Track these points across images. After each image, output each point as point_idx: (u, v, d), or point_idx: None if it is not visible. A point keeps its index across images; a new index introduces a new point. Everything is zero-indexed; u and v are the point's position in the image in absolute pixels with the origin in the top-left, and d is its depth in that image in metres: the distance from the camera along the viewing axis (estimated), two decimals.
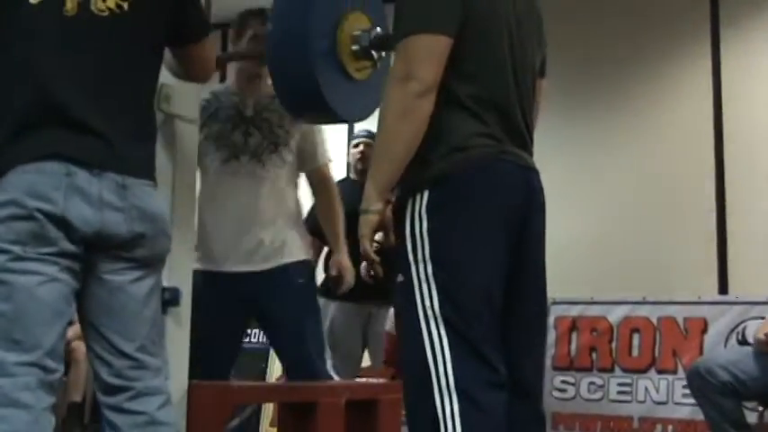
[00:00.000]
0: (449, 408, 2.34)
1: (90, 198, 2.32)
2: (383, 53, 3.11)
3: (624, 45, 6.83)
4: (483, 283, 2.43)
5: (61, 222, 2.28)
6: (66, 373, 6.67)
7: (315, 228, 5.03)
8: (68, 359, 6.78)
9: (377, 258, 2.46)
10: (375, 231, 2.45)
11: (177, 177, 2.99)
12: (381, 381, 3.91)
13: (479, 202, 2.44)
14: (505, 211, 2.47)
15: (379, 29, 3.09)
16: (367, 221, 2.44)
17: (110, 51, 2.46)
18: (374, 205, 2.44)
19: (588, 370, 6.08)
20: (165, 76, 2.98)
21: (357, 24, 3.06)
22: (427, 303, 2.40)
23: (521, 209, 2.50)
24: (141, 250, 2.44)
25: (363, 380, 4.03)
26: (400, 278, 2.47)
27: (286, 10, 3.02)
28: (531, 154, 2.60)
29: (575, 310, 6.17)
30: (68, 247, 2.31)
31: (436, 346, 2.38)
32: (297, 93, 3.04)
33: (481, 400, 2.36)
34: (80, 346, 6.90)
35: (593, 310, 6.17)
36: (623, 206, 6.71)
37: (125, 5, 2.47)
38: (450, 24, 2.43)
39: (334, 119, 3.20)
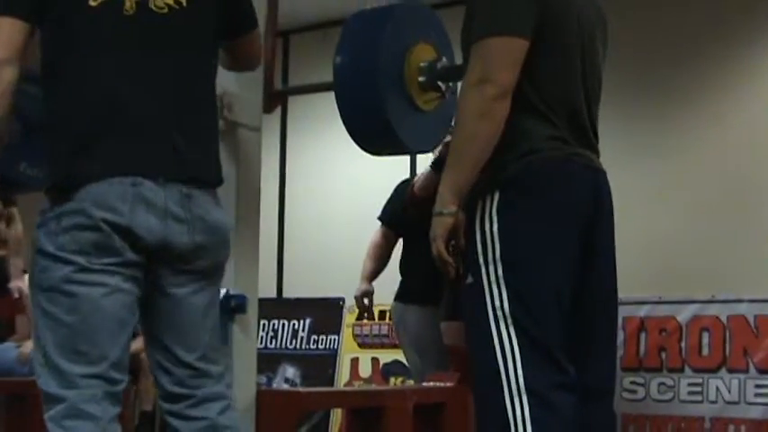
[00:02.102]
0: (519, 409, 2.33)
1: (155, 208, 2.31)
2: (450, 84, 3.13)
3: (697, 41, 6.74)
4: (553, 285, 2.41)
5: (126, 233, 2.28)
6: (137, 382, 6.74)
7: (393, 219, 5.01)
8: (138, 369, 6.85)
9: (451, 260, 2.43)
10: (449, 234, 2.43)
11: (241, 184, 3.02)
12: (449, 384, 3.89)
13: (550, 203, 2.44)
14: (575, 212, 2.46)
15: (445, 59, 3.11)
16: (441, 223, 2.42)
17: (171, 49, 2.43)
18: (448, 207, 2.41)
19: (658, 370, 6.00)
20: (228, 84, 3.00)
21: (424, 56, 3.09)
22: (497, 304, 2.39)
23: (589, 209, 2.49)
24: (202, 262, 2.42)
25: (431, 384, 4.02)
26: (469, 280, 2.45)
27: (354, 43, 3.05)
28: (598, 155, 2.59)
29: (642, 311, 6.08)
30: (132, 257, 2.30)
31: (506, 347, 2.37)
32: (366, 124, 3.07)
33: (552, 400, 2.34)
34: None
35: (662, 310, 6.08)
36: (690, 204, 6.63)
37: (183, 1, 2.44)
38: (527, 26, 2.42)
39: (403, 150, 3.23)
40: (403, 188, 5.12)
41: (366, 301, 5.01)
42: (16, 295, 4.88)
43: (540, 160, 2.44)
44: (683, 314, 6.00)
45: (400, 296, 4.94)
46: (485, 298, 2.40)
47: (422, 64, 3.07)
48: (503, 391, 2.35)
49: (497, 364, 2.36)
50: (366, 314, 5.33)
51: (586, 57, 2.55)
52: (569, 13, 2.51)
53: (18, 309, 6.21)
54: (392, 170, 6.82)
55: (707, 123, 6.67)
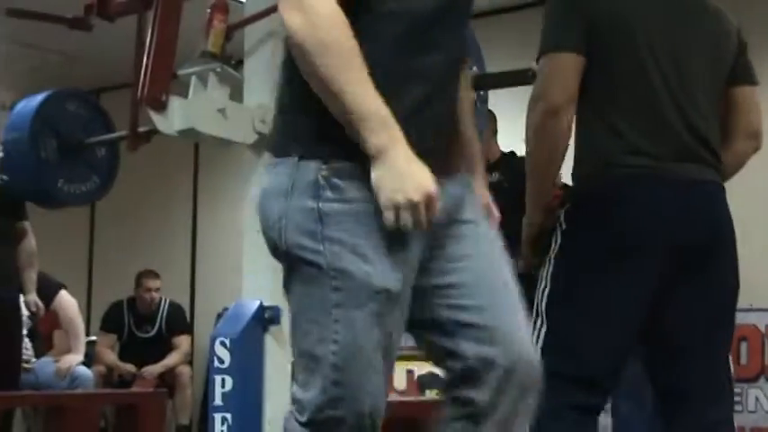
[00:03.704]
0: None
1: None
2: (480, 92, 3.13)
3: None
4: (598, 306, 2.42)
5: None
6: (172, 396, 6.77)
7: None
8: (174, 383, 6.88)
9: (536, 263, 2.54)
10: (532, 242, 2.54)
11: None
12: None
13: (616, 234, 2.42)
14: (650, 240, 2.42)
15: (475, 68, 3.11)
16: (524, 233, 2.56)
17: None
18: (529, 218, 2.54)
19: None
20: (261, 97, 3.01)
21: None
22: (539, 298, 2.46)
23: (675, 231, 2.42)
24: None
25: None
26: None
27: None
28: (707, 164, 2.51)
29: None
30: None
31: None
32: None
33: (562, 416, 2.38)
34: (184, 371, 7.01)
35: None
36: None
37: None
38: (574, 40, 2.43)
39: None
40: None
41: None
42: (33, 309, 4.89)
43: (607, 182, 2.44)
44: None
45: None
46: (534, 287, 2.47)
47: None
48: None
49: None
50: None
51: (665, 57, 2.47)
52: (627, 14, 2.47)
53: (55, 324, 6.26)
54: None
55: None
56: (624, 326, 2.42)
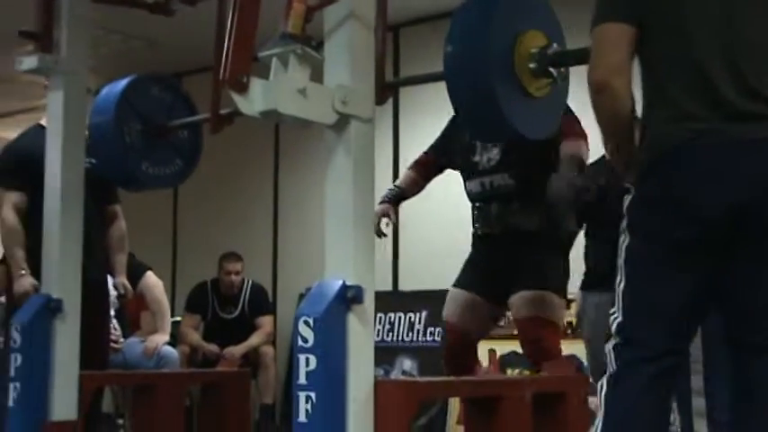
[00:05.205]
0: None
1: None
2: (562, 69, 3.10)
3: None
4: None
5: None
6: (256, 376, 6.85)
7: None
8: (257, 363, 6.96)
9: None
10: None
11: (356, 176, 3.04)
12: (569, 374, 3.86)
13: (652, 195, 2.51)
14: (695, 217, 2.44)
15: (556, 45, 3.08)
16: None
17: None
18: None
19: None
20: (341, 78, 3.03)
21: (534, 42, 3.06)
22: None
23: (729, 201, 2.41)
24: None
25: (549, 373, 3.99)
26: None
27: (463, 31, 3.05)
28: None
29: None
30: None
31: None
32: (478, 113, 3.07)
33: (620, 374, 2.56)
34: (268, 351, 7.09)
35: None
36: None
37: None
38: (620, 10, 2.54)
39: (515, 137, 3.20)
40: None
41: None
42: (121, 291, 4.95)
43: (659, 147, 2.48)
44: None
45: (582, 284, 4.83)
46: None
47: (532, 50, 3.05)
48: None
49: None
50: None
51: (717, 26, 2.48)
52: None
53: (142, 305, 6.37)
54: None
55: None
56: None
